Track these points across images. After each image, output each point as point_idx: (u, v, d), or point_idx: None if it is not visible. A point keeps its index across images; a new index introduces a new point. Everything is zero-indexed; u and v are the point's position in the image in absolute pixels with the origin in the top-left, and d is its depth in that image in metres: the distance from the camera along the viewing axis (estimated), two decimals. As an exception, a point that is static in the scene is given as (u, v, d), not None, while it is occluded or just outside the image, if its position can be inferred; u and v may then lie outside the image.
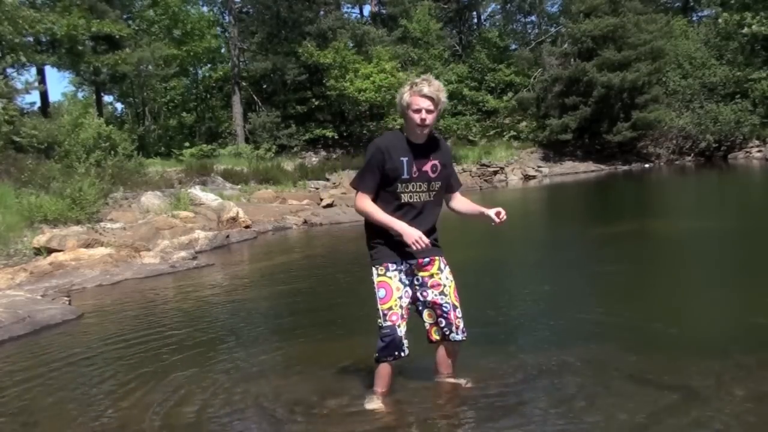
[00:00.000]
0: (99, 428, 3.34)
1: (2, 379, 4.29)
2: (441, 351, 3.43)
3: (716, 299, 5.34)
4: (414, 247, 3.11)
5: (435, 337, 3.34)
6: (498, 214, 3.25)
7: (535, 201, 19.08)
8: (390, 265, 3.23)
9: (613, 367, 3.68)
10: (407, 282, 3.27)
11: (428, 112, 3.12)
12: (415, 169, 3.19)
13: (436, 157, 3.25)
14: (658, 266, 6.94)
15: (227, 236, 10.98)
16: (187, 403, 3.58)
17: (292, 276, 7.86)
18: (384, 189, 3.22)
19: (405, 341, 3.21)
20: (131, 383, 3.96)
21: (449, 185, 3.40)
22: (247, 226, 12.23)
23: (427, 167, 3.22)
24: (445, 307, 3.28)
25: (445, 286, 3.29)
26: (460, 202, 3.47)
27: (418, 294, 3.30)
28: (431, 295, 3.28)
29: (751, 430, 2.88)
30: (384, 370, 3.29)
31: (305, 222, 13.60)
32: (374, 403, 3.29)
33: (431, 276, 3.29)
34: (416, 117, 3.13)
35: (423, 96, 3.11)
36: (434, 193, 3.28)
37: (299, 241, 11.67)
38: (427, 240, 3.13)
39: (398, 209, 3.22)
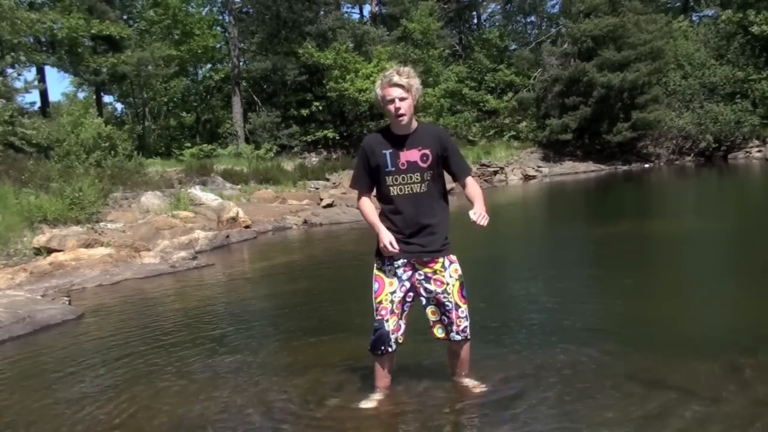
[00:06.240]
0: (98, 428, 3.34)
1: (2, 379, 4.30)
2: (450, 350, 3.43)
3: (716, 299, 5.34)
4: (384, 252, 3.15)
5: (437, 334, 3.33)
6: (478, 215, 3.03)
7: (535, 201, 19.08)
8: (386, 258, 3.22)
9: (613, 368, 3.68)
10: (405, 277, 3.23)
11: (401, 99, 3.13)
12: (402, 160, 3.18)
13: (425, 147, 3.20)
14: (657, 266, 6.95)
15: (227, 236, 10.98)
16: (187, 402, 3.59)
17: (292, 276, 7.86)
18: (378, 185, 3.27)
19: (393, 336, 3.20)
20: (131, 383, 3.97)
21: (453, 174, 3.30)
22: (247, 226, 12.22)
23: (416, 157, 3.19)
24: (447, 305, 3.25)
25: (448, 284, 3.25)
26: (468, 187, 3.30)
27: (421, 289, 3.26)
28: (434, 292, 3.25)
29: (751, 430, 2.88)
30: (379, 365, 3.31)
31: (305, 222, 13.59)
32: (370, 401, 3.30)
33: (434, 272, 3.25)
34: (391, 108, 3.15)
35: (393, 85, 3.13)
36: (428, 182, 3.22)
37: (299, 241, 11.66)
38: (396, 247, 3.09)
39: (392, 203, 3.23)
